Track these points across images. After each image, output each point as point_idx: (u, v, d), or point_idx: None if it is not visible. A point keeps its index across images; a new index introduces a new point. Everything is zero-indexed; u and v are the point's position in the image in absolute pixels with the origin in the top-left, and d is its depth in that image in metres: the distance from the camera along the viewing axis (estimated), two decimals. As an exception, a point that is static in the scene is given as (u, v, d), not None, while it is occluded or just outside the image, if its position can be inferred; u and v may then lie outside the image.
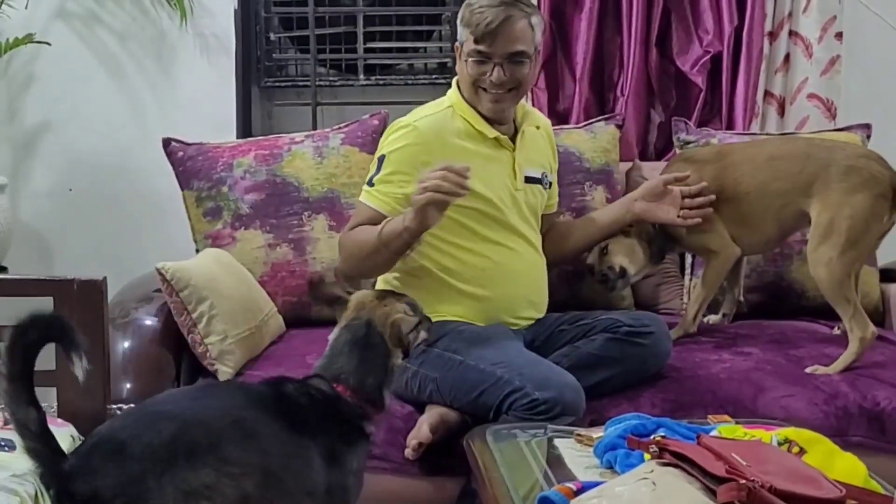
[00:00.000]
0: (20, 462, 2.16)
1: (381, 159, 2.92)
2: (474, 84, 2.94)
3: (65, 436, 2.32)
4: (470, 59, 2.92)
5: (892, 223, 3.09)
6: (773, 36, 3.97)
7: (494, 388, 2.67)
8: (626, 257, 3.22)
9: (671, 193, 3.14)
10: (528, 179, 3.06)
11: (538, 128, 3.15)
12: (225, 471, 1.98)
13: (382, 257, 2.79)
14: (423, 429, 2.78)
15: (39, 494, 2.12)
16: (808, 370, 3.00)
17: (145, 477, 1.90)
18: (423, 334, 2.41)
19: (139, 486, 1.90)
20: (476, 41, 2.88)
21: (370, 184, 2.92)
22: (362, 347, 2.30)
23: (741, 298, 3.52)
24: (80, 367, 2.03)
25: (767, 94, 4.01)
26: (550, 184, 3.18)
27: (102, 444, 1.97)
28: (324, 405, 2.21)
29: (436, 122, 2.95)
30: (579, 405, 2.65)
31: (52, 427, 2.30)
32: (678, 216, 3.13)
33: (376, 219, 2.83)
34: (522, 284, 3.03)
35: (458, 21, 2.96)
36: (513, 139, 3.04)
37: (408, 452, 2.78)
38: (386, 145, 2.94)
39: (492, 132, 2.98)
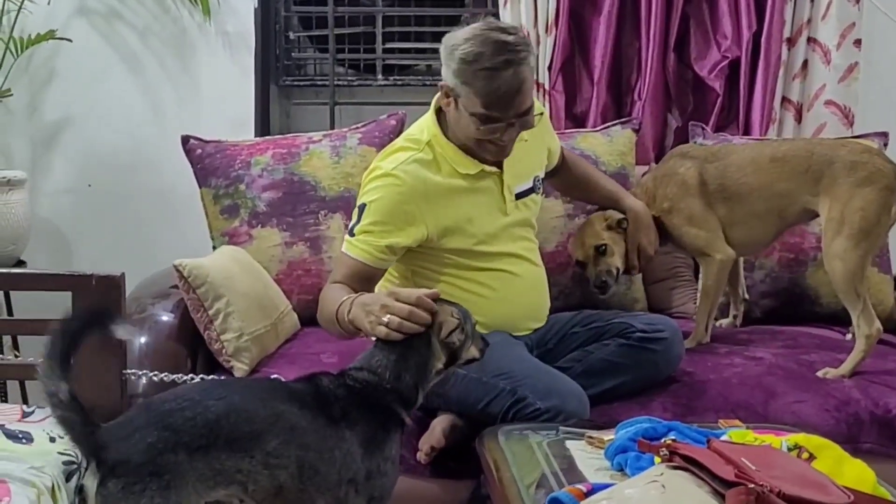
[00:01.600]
0: (38, 455, 2.18)
1: (362, 208, 2.80)
2: (478, 140, 2.80)
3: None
4: (476, 121, 2.74)
5: (893, 220, 3.12)
6: (791, 42, 3.96)
7: (498, 399, 2.67)
8: (620, 258, 3.20)
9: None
10: (520, 195, 2.98)
11: (527, 140, 2.96)
12: (261, 460, 2.04)
13: (336, 329, 2.65)
14: (435, 433, 2.79)
15: (56, 487, 2.15)
16: (819, 373, 3.02)
17: (178, 449, 1.95)
18: (472, 350, 2.42)
19: (168, 456, 1.95)
20: (485, 106, 2.71)
21: (351, 233, 2.81)
22: (405, 345, 2.32)
23: (747, 296, 3.53)
24: (123, 331, 2.16)
25: (785, 100, 4.00)
26: (543, 182, 3.10)
27: (144, 413, 2.03)
28: (362, 393, 2.25)
29: (415, 166, 2.81)
30: (583, 414, 2.64)
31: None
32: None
33: (357, 269, 2.76)
34: (519, 304, 2.99)
35: (451, 71, 2.73)
36: (499, 161, 2.92)
37: (420, 456, 2.79)
38: (366, 193, 2.82)
39: (475, 168, 2.87)
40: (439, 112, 2.90)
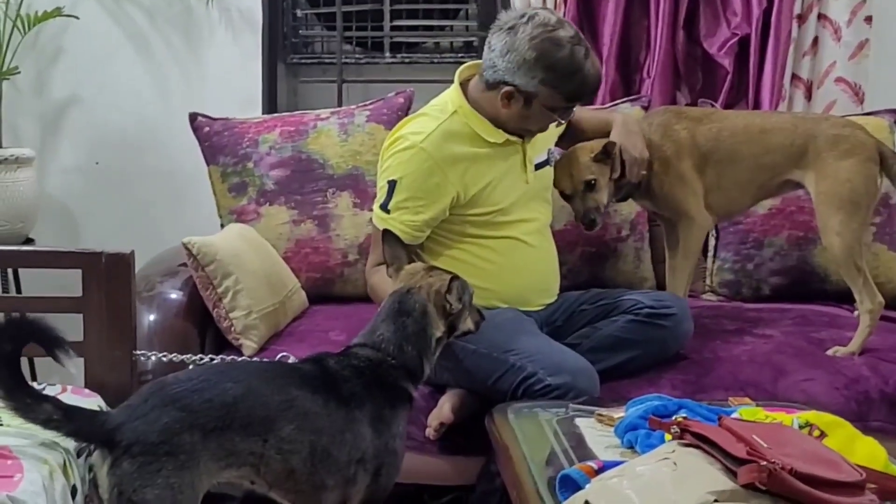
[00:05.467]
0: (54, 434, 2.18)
1: (392, 184, 2.84)
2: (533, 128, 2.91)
3: (92, 406, 2.35)
4: (551, 114, 2.86)
5: (879, 189, 3.16)
6: (801, 19, 3.93)
7: (508, 375, 2.68)
8: (607, 192, 3.08)
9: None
10: (538, 166, 3.02)
11: None
12: (275, 445, 2.06)
13: None
14: (444, 409, 2.79)
15: (67, 463, 2.16)
16: (828, 352, 3.02)
17: (193, 429, 1.96)
18: (468, 322, 2.44)
19: (184, 436, 1.95)
20: (570, 99, 2.85)
21: (385, 209, 2.85)
22: (400, 315, 2.34)
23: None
24: (69, 360, 2.07)
25: (795, 77, 3.98)
26: (553, 153, 3.12)
27: (160, 393, 2.03)
28: (368, 372, 2.27)
29: (441, 138, 2.85)
30: (593, 391, 2.65)
31: (78, 398, 2.35)
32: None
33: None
34: (534, 275, 3.01)
35: (533, 78, 2.78)
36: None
37: (429, 432, 2.80)
38: (394, 168, 2.85)
39: (501, 137, 2.91)
40: (463, 86, 2.93)
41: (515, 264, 2.95)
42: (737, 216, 3.47)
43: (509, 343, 2.71)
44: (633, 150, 3.07)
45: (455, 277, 2.38)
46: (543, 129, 2.94)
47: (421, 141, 2.83)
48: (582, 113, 3.24)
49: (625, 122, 3.13)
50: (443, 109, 2.91)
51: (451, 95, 2.94)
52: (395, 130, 2.95)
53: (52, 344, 2.07)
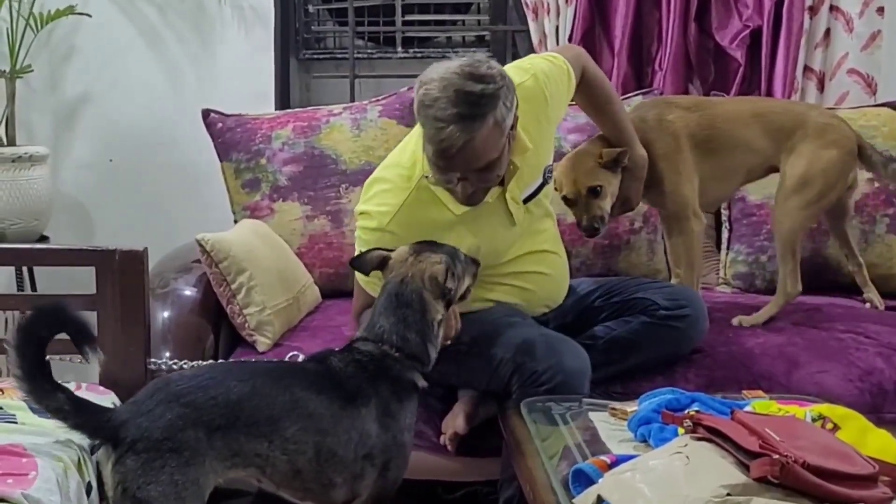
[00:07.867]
0: (63, 429, 2.20)
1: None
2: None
3: (106, 403, 2.36)
4: (429, 165, 2.54)
5: (848, 185, 3.20)
6: (813, 10, 3.92)
7: (499, 370, 2.63)
8: (612, 198, 2.97)
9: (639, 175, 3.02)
10: (529, 198, 2.78)
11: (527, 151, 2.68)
12: (280, 445, 2.06)
13: None
14: (458, 420, 2.78)
15: (82, 460, 2.17)
16: (733, 321, 3.10)
17: (198, 426, 1.96)
18: (467, 280, 2.45)
19: (188, 433, 1.97)
20: (433, 154, 2.48)
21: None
22: (399, 306, 2.35)
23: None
24: (94, 358, 2.07)
25: (807, 69, 3.97)
26: (552, 172, 2.87)
27: (165, 389, 2.03)
28: (371, 367, 2.28)
29: (409, 213, 2.60)
30: (582, 367, 2.59)
31: (93, 394, 2.36)
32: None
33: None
34: (541, 297, 2.91)
35: (415, 107, 2.50)
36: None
37: (444, 440, 2.79)
38: (363, 242, 2.64)
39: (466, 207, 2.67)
40: None
41: (527, 296, 2.87)
42: (721, 204, 3.52)
43: (496, 338, 2.65)
44: (634, 201, 3.06)
45: (441, 257, 2.39)
46: (451, 189, 2.60)
47: (388, 223, 2.61)
48: (608, 108, 3.01)
49: (636, 168, 2.98)
50: (409, 177, 2.65)
51: (417, 153, 2.65)
52: (362, 197, 2.74)
53: (83, 339, 2.06)
